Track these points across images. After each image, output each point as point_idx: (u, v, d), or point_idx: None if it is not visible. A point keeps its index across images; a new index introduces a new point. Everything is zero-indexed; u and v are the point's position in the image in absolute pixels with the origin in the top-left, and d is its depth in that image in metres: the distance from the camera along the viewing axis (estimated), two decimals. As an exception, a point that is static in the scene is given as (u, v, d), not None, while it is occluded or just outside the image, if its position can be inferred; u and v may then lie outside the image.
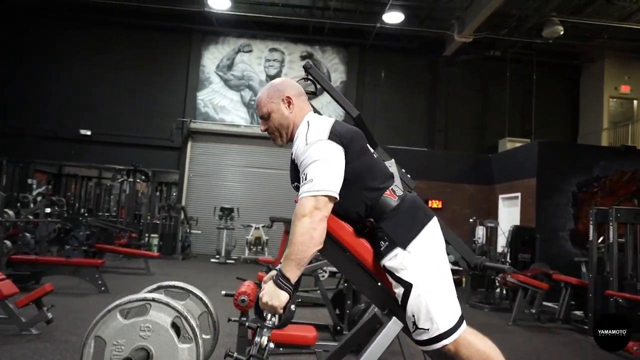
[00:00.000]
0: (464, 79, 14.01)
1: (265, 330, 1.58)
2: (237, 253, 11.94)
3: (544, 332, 5.93)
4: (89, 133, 12.88)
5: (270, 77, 13.48)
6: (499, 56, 13.40)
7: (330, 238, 1.70)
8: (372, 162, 1.81)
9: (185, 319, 1.64)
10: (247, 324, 1.75)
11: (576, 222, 8.91)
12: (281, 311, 1.58)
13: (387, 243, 1.67)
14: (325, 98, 12.75)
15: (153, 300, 1.67)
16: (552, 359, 4.68)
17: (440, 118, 13.88)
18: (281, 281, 1.58)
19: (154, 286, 2.06)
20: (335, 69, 13.85)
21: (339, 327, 4.55)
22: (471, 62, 13.61)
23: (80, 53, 13.23)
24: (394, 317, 1.67)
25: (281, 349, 3.68)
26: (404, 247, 1.66)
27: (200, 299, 2.11)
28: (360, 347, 1.83)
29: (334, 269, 8.26)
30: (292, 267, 1.58)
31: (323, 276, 5.18)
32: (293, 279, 1.59)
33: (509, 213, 10.20)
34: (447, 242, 3.13)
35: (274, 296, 1.57)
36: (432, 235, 1.73)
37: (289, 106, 1.85)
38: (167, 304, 1.66)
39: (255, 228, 11.78)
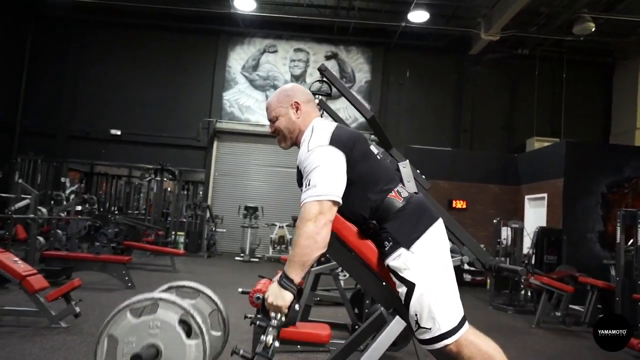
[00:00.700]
0: (490, 77, 13.79)
1: (270, 329, 1.63)
2: (261, 251, 12.09)
3: (568, 335, 5.82)
4: (119, 133, 13.25)
5: (295, 77, 13.59)
6: (528, 54, 13.13)
7: (336, 238, 1.74)
8: (376, 164, 1.85)
9: (192, 316, 1.70)
10: (257, 322, 1.81)
11: (605, 223, 8.67)
12: (286, 311, 1.63)
13: (391, 243, 1.71)
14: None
15: (160, 299, 1.75)
16: (575, 363, 4.60)
17: (466, 118, 13.71)
18: (285, 282, 1.63)
19: (165, 286, 2.14)
20: (360, 68, 13.84)
21: (357, 327, 4.58)
22: (498, 61, 13.39)
23: (111, 55, 13.62)
24: (397, 316, 1.70)
25: (299, 346, 3.75)
26: (408, 247, 1.69)
27: (210, 297, 2.17)
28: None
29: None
30: (296, 269, 1.64)
31: (345, 275, 5.22)
32: (296, 280, 1.64)
33: (535, 214, 10.01)
34: (462, 243, 3.13)
35: (279, 297, 1.62)
36: (436, 236, 1.76)
37: (296, 111, 1.92)
38: (174, 303, 1.73)
39: (279, 227, 11.89)
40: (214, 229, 12.19)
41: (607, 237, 8.49)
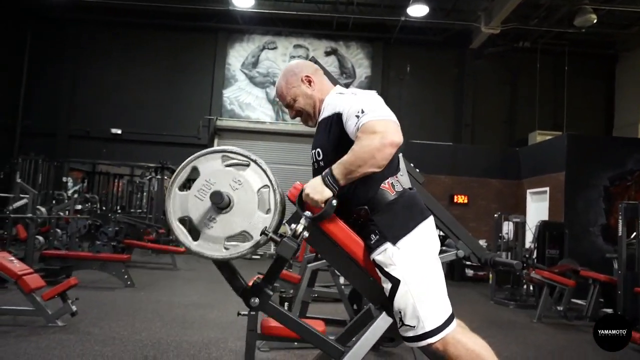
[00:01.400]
0: (491, 71, 13.70)
1: (302, 219, 1.62)
2: (262, 249, 12.01)
3: (570, 329, 5.77)
4: (119, 132, 13.25)
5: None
6: (529, 47, 13.03)
7: (320, 232, 1.70)
8: None
9: (274, 191, 1.69)
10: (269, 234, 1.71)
11: (608, 217, 8.61)
12: (322, 205, 1.61)
13: (377, 237, 1.66)
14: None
15: (255, 161, 1.72)
16: (577, 357, 4.55)
17: (467, 112, 13.63)
18: (329, 179, 1.60)
19: (220, 148, 2.02)
20: (360, 64, 13.78)
21: (355, 323, 4.56)
22: (499, 55, 13.29)
23: (110, 54, 13.61)
24: (383, 313, 1.67)
25: (295, 343, 3.73)
26: (394, 242, 1.64)
27: (264, 171, 2.03)
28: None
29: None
30: (343, 173, 1.59)
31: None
32: (341, 182, 1.59)
33: (537, 208, 9.95)
34: (457, 238, 3.09)
35: (318, 191, 1.60)
36: (425, 233, 1.71)
37: (310, 85, 1.87)
38: (265, 172, 1.72)
39: (284, 224, 11.85)
40: (215, 226, 12.16)
41: (610, 231, 8.43)
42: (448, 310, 1.67)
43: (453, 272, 9.67)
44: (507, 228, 8.43)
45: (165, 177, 11.79)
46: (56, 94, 13.33)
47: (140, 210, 13.81)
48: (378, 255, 1.65)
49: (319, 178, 1.62)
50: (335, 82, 2.17)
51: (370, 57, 13.80)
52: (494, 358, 1.65)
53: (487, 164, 11.23)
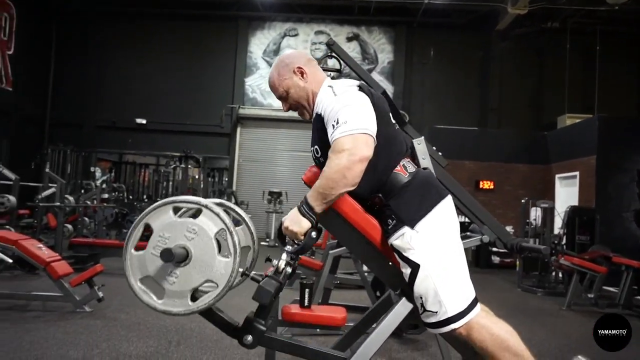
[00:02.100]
0: (518, 54, 13.29)
1: (284, 254, 1.58)
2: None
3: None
4: (144, 122, 13.42)
5: (317, 61, 13.39)
6: (558, 28, 12.58)
7: (338, 216, 1.65)
8: (392, 130, 1.74)
9: (231, 234, 1.65)
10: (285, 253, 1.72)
11: (642, 201, 8.31)
12: (302, 237, 1.57)
13: (394, 221, 1.60)
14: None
15: (206, 206, 1.69)
16: (607, 346, 4.41)
17: (493, 96, 13.28)
18: (305, 209, 1.56)
19: (217, 200, 2.08)
20: (382, 49, 13.57)
21: (378, 310, 4.52)
22: (527, 36, 12.88)
23: (133, 45, 13.75)
24: (403, 299, 1.61)
25: (318, 329, 3.72)
26: (412, 226, 1.58)
27: (252, 233, 2.07)
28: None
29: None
30: (318, 199, 1.55)
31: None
32: (317, 210, 1.56)
33: (567, 193, 9.68)
34: (482, 222, 3.00)
35: (296, 222, 1.57)
36: (444, 214, 1.64)
37: (302, 76, 1.80)
38: (218, 215, 1.68)
39: (304, 212, 11.86)
40: (239, 214, 12.24)
41: (644, 216, 8.14)
42: (471, 294, 1.60)
43: (479, 259, 9.53)
44: (535, 214, 8.23)
45: (190, 166, 11.89)
46: (83, 86, 13.56)
47: (166, 199, 14.01)
48: (396, 240, 1.60)
49: (295, 210, 1.59)
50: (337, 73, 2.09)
51: (393, 41, 13.57)
52: (520, 344, 1.58)
53: (514, 149, 10.96)
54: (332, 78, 3.23)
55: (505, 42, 12.94)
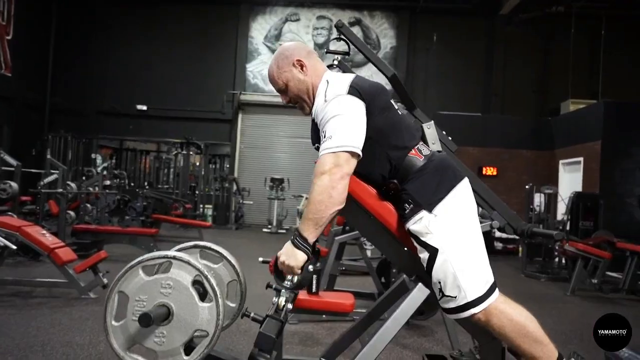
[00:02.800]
0: (522, 39, 13.14)
1: (283, 290, 1.54)
2: (288, 223, 12.11)
3: (605, 303, 5.61)
4: (145, 108, 13.34)
5: (319, 46, 13.29)
6: (563, 12, 12.39)
7: (353, 201, 1.61)
8: (397, 118, 1.68)
9: (206, 278, 1.63)
10: (274, 286, 1.72)
11: (646, 187, 8.27)
12: (299, 271, 1.53)
13: (411, 206, 1.57)
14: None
15: (174, 258, 1.68)
16: (613, 332, 4.40)
17: (497, 81, 13.18)
18: (298, 241, 1.53)
19: (191, 244, 2.08)
20: (384, 34, 13.42)
21: (383, 295, 4.51)
22: (531, 21, 12.70)
23: (134, 32, 13.60)
24: (419, 284, 1.58)
25: (324, 315, 3.71)
26: (430, 209, 1.55)
27: (233, 266, 2.10)
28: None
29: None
30: (310, 227, 1.52)
31: (371, 245, 5.09)
32: (311, 239, 1.53)
33: (570, 179, 9.64)
34: (491, 207, 2.96)
35: (291, 256, 1.52)
36: (461, 197, 1.61)
37: (302, 69, 1.75)
38: (188, 263, 1.66)
39: (306, 198, 11.81)
40: (241, 201, 12.24)
41: (648, 202, 8.10)
42: (490, 278, 1.57)
43: (481, 245, 9.51)
44: (539, 200, 8.20)
45: (191, 153, 11.86)
46: (83, 72, 13.44)
47: (167, 186, 14.00)
48: (413, 225, 1.56)
49: (289, 243, 1.55)
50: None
51: (396, 26, 13.42)
52: (539, 329, 1.56)
53: (518, 135, 10.90)
54: (338, 61, 3.17)
55: (509, 27, 12.78)
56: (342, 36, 2.71)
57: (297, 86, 1.76)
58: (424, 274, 1.58)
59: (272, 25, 13.56)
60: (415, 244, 1.58)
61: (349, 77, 1.66)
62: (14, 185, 6.40)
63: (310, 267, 1.54)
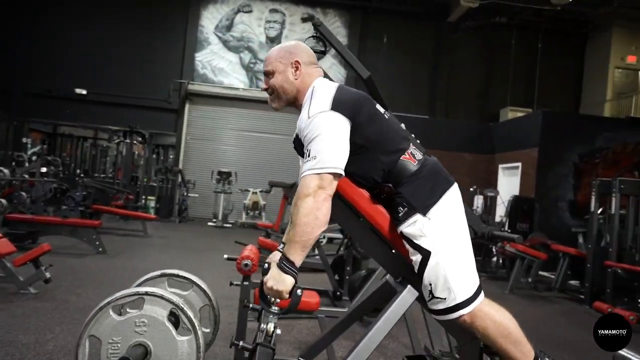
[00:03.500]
0: (468, 46, 13.70)
1: (271, 316, 1.50)
2: (234, 217, 11.93)
3: (540, 300, 5.99)
4: (84, 92, 12.61)
5: (271, 39, 13.16)
6: (505, 23, 13.06)
7: (344, 203, 1.62)
8: (386, 125, 1.71)
9: (182, 310, 1.57)
10: (250, 305, 1.69)
11: (575, 192, 8.89)
12: (287, 296, 1.50)
13: (406, 209, 1.60)
14: (329, 60, 12.49)
15: (146, 294, 1.61)
16: (551, 327, 4.72)
17: (443, 85, 13.66)
18: (285, 265, 1.50)
19: (158, 273, 1.98)
20: (336, 32, 13.45)
21: (338, 293, 4.55)
22: (477, 29, 13.28)
23: (76, 10, 12.81)
24: (408, 286, 1.61)
25: (285, 313, 3.68)
26: (424, 213, 1.59)
27: (204, 291, 2.04)
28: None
29: (333, 235, 8.26)
30: (297, 250, 1.51)
31: (321, 242, 5.12)
32: (298, 262, 1.52)
33: (509, 183, 10.18)
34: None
35: (279, 281, 1.49)
36: (452, 201, 1.66)
37: (295, 71, 1.75)
38: (162, 297, 1.59)
39: (253, 192, 11.72)
40: (185, 193, 11.91)
41: (577, 206, 8.72)
42: (476, 281, 1.63)
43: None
44: (477, 202, 8.61)
45: (135, 142, 11.37)
46: (12, 48, 12.47)
47: (104, 175, 13.35)
48: (407, 228, 1.59)
49: (274, 267, 1.52)
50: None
51: (348, 25, 13.54)
52: (519, 331, 1.64)
53: (461, 138, 11.35)
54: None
55: (456, 33, 13.28)
56: (319, 34, 2.69)
57: (282, 82, 1.76)
58: (412, 276, 1.61)
59: (223, 15, 13.26)
60: (408, 246, 1.60)
61: (331, 90, 1.65)
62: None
63: (299, 291, 1.52)
